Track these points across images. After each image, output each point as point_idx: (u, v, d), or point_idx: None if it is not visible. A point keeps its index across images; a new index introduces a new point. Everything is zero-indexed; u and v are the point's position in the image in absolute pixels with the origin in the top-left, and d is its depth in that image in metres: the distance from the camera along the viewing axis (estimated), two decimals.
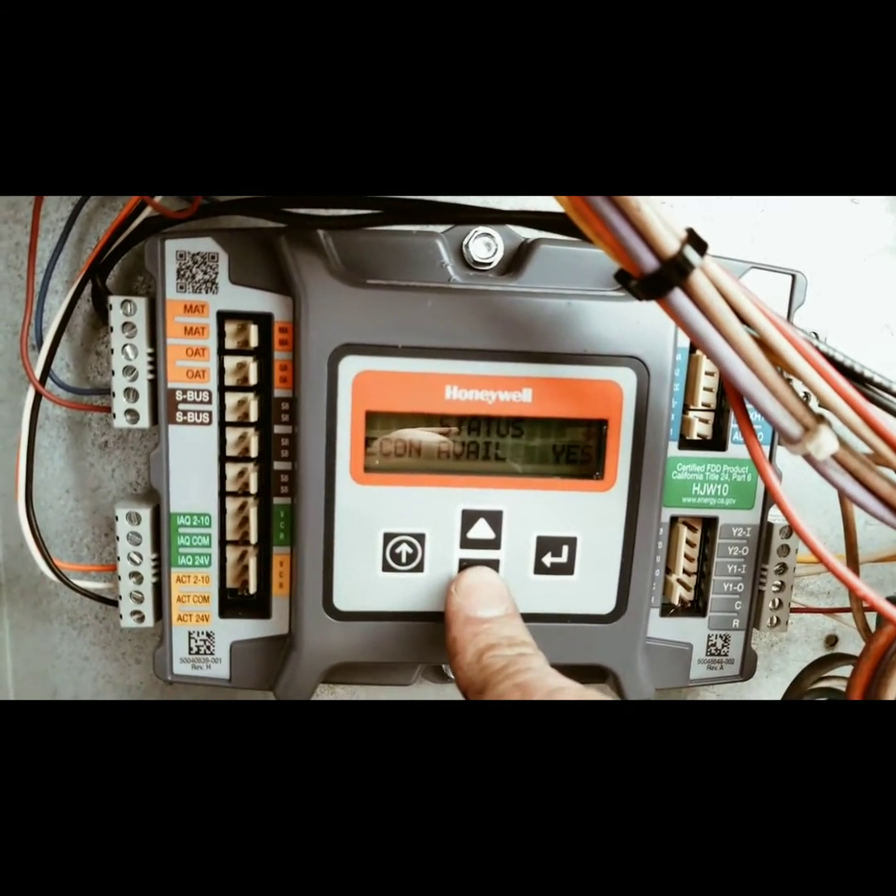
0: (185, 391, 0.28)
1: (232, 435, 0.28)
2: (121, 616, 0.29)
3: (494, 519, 0.28)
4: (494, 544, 0.28)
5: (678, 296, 0.20)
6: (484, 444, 0.28)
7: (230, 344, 0.28)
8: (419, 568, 0.28)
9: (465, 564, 0.29)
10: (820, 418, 0.22)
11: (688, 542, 0.31)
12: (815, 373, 0.21)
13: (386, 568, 0.28)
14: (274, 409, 0.28)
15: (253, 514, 0.29)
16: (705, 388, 0.29)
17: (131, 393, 0.27)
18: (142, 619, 0.29)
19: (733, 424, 0.29)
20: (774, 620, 0.31)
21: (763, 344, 0.21)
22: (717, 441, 0.30)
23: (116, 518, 0.28)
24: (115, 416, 0.27)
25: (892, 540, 0.34)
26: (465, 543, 0.28)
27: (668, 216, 0.19)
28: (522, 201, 0.31)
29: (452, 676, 0.26)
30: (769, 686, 0.38)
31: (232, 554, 0.29)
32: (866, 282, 0.34)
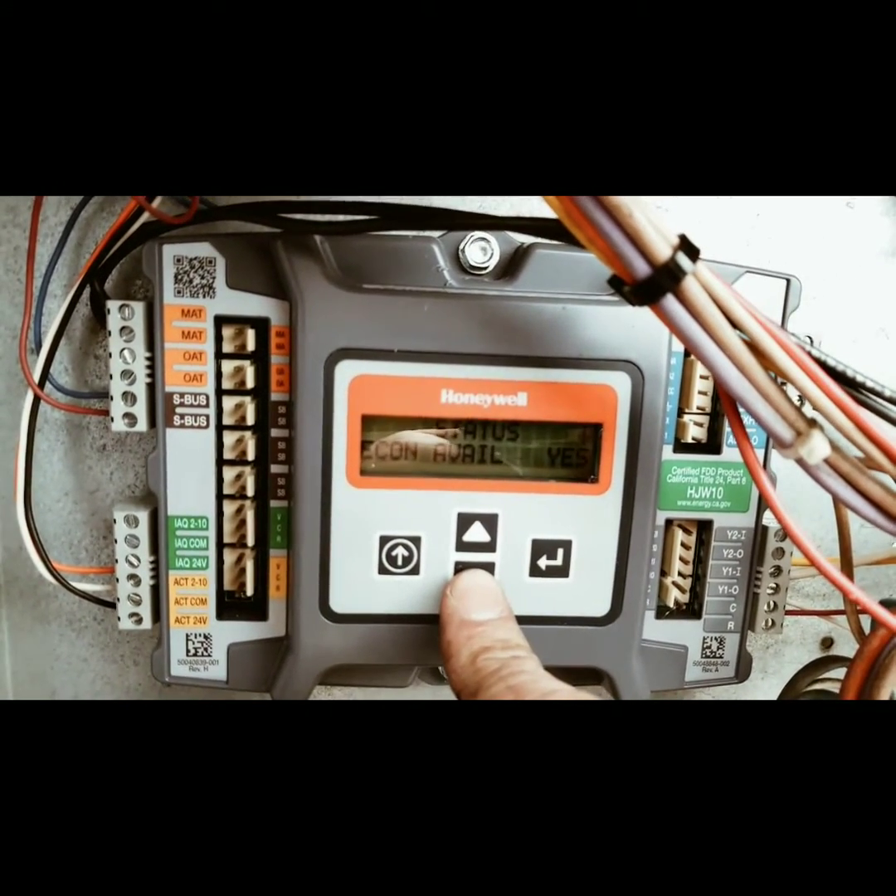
0: (182, 395, 0.28)
1: (229, 438, 0.28)
2: (119, 618, 0.30)
3: (490, 522, 0.28)
4: (490, 547, 0.29)
5: (671, 302, 0.20)
6: (479, 447, 0.28)
7: (227, 348, 0.28)
8: (415, 571, 0.29)
9: (460, 567, 0.29)
10: (812, 423, 0.22)
11: (683, 544, 0.31)
12: (806, 377, 0.21)
13: (382, 571, 0.28)
14: (271, 413, 0.28)
15: (250, 516, 0.29)
16: (700, 392, 0.29)
17: (129, 396, 0.28)
18: (140, 621, 0.30)
19: (728, 428, 0.30)
20: (769, 623, 0.31)
21: (755, 349, 0.21)
22: (711, 444, 0.30)
23: (114, 521, 0.29)
24: (113, 419, 0.28)
25: (887, 543, 0.34)
26: (461, 546, 0.28)
27: (660, 222, 0.20)
28: (518, 206, 0.31)
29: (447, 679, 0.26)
30: (764, 688, 0.38)
31: (229, 556, 0.29)
32: (861, 285, 0.34)
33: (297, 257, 0.26)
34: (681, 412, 0.29)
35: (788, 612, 0.32)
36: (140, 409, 0.28)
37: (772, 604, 0.31)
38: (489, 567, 0.29)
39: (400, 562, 0.28)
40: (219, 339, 0.28)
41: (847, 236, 0.33)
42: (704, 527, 0.31)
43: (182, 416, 0.28)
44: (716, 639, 0.32)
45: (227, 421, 0.28)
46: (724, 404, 0.24)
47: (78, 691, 0.36)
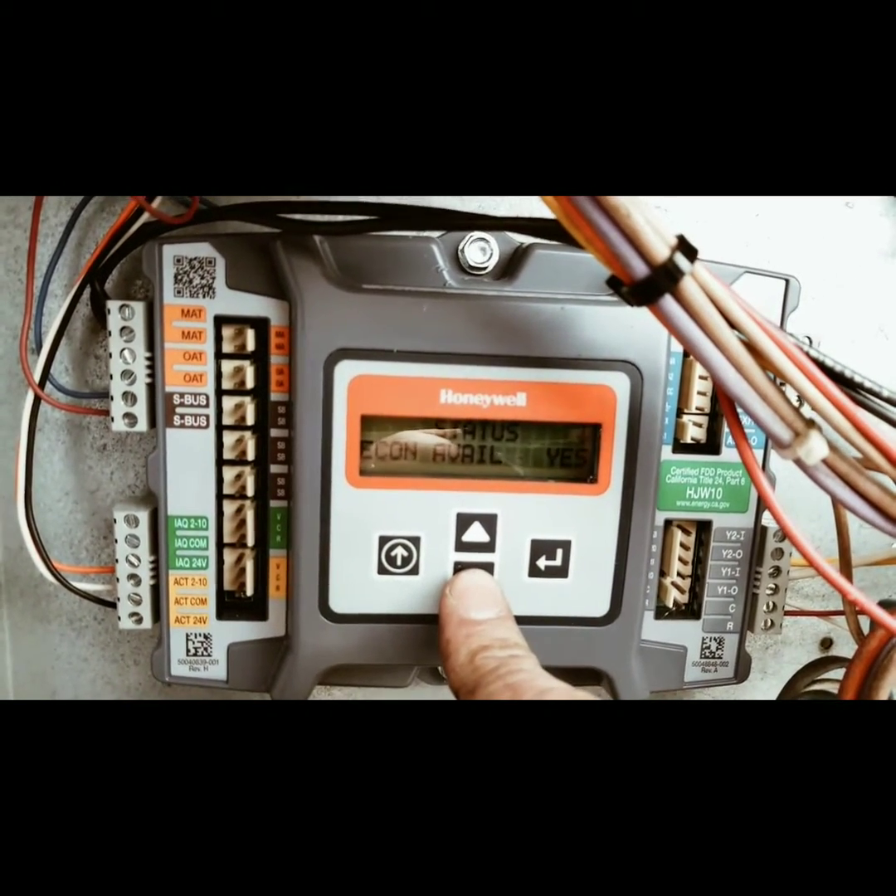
0: (182, 395, 0.28)
1: (229, 438, 0.28)
2: (119, 618, 0.30)
3: (489, 522, 0.28)
4: (489, 547, 0.29)
5: (669, 302, 0.20)
6: (479, 447, 0.28)
7: (227, 348, 0.28)
8: (414, 571, 0.29)
9: (459, 567, 0.29)
10: (810, 423, 0.22)
11: (682, 545, 0.31)
12: (804, 378, 0.21)
13: (381, 571, 0.29)
14: (270, 413, 0.28)
15: (250, 516, 0.29)
16: (699, 392, 0.29)
17: (129, 396, 0.28)
18: (140, 620, 0.30)
19: (727, 428, 0.30)
20: (768, 623, 0.31)
21: (753, 349, 0.21)
22: (710, 445, 0.30)
23: (115, 520, 0.29)
24: (113, 419, 0.28)
25: (886, 544, 0.34)
26: (460, 546, 0.29)
27: (658, 223, 0.20)
28: (517, 207, 0.31)
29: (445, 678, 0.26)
30: (763, 688, 0.38)
31: (229, 556, 0.29)
32: (860, 286, 0.34)
33: (297, 257, 0.26)
34: (680, 412, 0.30)
35: (787, 613, 0.32)
36: (140, 409, 0.28)
37: (771, 604, 0.31)
38: (488, 567, 0.29)
39: (399, 562, 0.29)
40: (218, 339, 0.28)
41: (846, 237, 0.33)
42: (703, 527, 0.31)
43: (182, 416, 0.28)
44: (715, 639, 0.32)
45: (226, 421, 0.28)
46: (722, 405, 0.24)
47: (78, 691, 0.36)
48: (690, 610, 0.32)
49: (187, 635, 0.30)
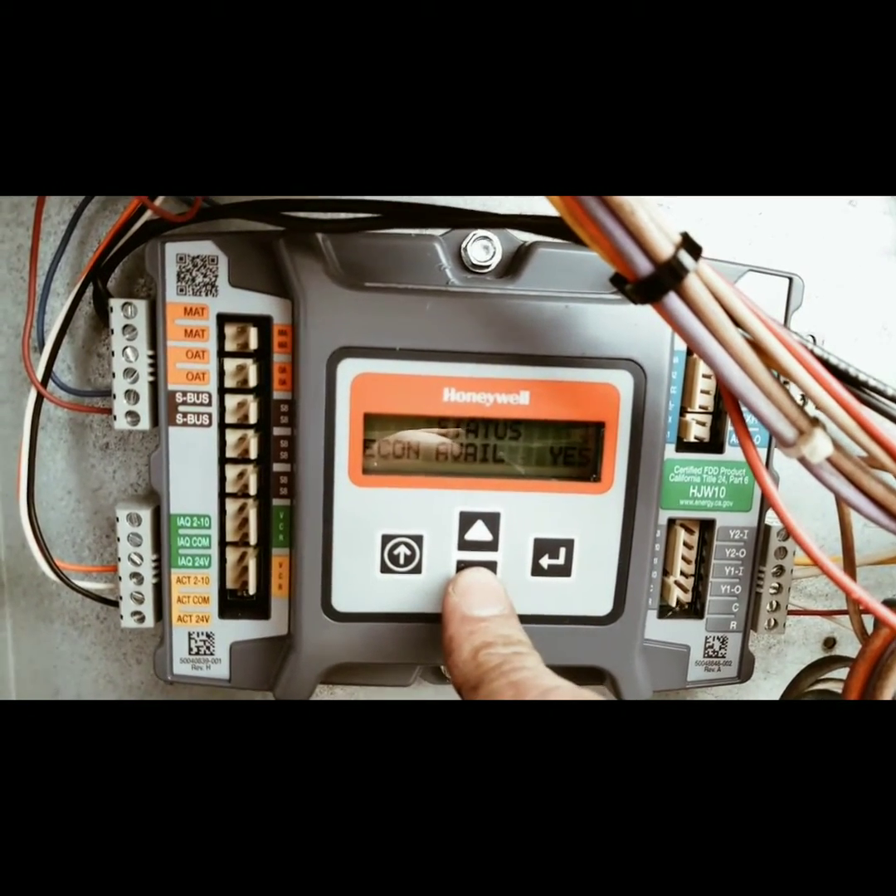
0: (185, 393, 0.28)
1: (232, 437, 0.28)
2: (121, 616, 0.30)
3: (492, 521, 0.28)
4: (492, 546, 0.29)
5: (673, 300, 0.20)
6: (482, 446, 0.28)
7: (230, 346, 0.28)
8: (417, 569, 0.29)
9: (462, 566, 0.29)
10: (815, 421, 0.22)
11: (685, 544, 0.31)
12: (809, 376, 0.21)
13: (384, 569, 0.28)
14: (273, 411, 0.28)
15: (252, 515, 0.29)
16: (702, 391, 0.29)
17: (132, 395, 0.28)
18: (142, 619, 0.30)
19: (730, 427, 0.29)
20: (772, 622, 0.31)
21: (758, 347, 0.21)
22: (714, 443, 0.30)
23: (117, 519, 0.29)
24: (115, 417, 0.28)
25: (890, 542, 0.34)
26: (463, 545, 0.28)
27: (662, 220, 0.20)
28: (520, 204, 0.31)
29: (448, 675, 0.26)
30: (767, 688, 0.38)
31: (232, 555, 0.29)
32: (864, 284, 0.34)
33: (300, 256, 0.26)
34: (683, 411, 0.29)
35: (791, 612, 0.32)
36: (143, 408, 0.28)
37: (774, 603, 0.31)
38: (491, 566, 0.29)
39: (402, 560, 0.28)
40: (221, 337, 0.28)
41: (849, 235, 0.33)
42: (707, 526, 0.31)
43: (185, 415, 0.28)
44: (718, 638, 0.32)
45: (229, 419, 0.28)
46: (726, 403, 0.24)
47: (80, 690, 0.36)
48: (694, 609, 0.32)
49: (190, 634, 0.30)
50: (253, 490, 0.29)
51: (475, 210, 0.27)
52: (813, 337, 0.29)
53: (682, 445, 0.30)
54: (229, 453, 0.28)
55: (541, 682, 0.22)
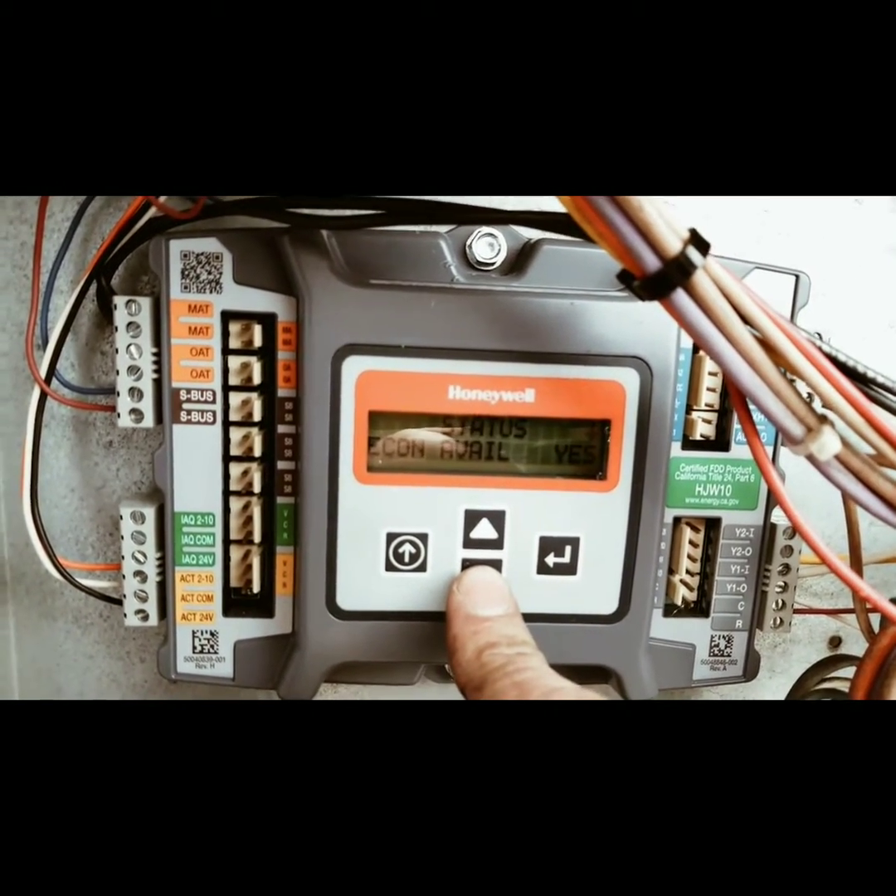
0: (189, 391, 0.28)
1: (236, 434, 0.28)
2: (125, 615, 0.29)
3: (497, 519, 0.28)
4: (497, 544, 0.28)
5: (680, 296, 0.20)
6: (487, 444, 0.28)
7: (234, 344, 0.28)
8: (422, 568, 0.28)
9: (467, 564, 0.29)
10: (823, 419, 0.22)
11: (691, 542, 0.31)
12: (817, 373, 0.21)
13: (389, 567, 0.28)
14: (277, 409, 0.28)
15: (256, 513, 0.29)
16: (708, 389, 0.29)
17: (136, 392, 0.28)
18: (146, 617, 0.30)
19: (736, 425, 0.29)
20: (778, 621, 0.31)
21: (766, 344, 0.21)
22: (720, 441, 0.30)
23: (121, 517, 0.29)
24: (119, 415, 0.28)
25: None
26: (468, 543, 0.28)
27: (670, 216, 0.19)
28: (525, 201, 0.31)
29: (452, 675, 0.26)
30: (772, 687, 0.38)
31: (235, 553, 0.29)
32: (870, 281, 0.33)
33: (305, 253, 0.26)
34: (689, 409, 0.29)
35: (797, 611, 0.32)
36: (146, 405, 0.28)
37: (780, 602, 0.31)
38: (496, 564, 0.29)
39: (407, 559, 0.28)
40: (225, 334, 0.28)
41: (856, 232, 0.33)
42: (713, 524, 0.31)
43: (189, 412, 0.28)
44: (724, 637, 0.31)
45: (233, 417, 0.28)
46: (733, 400, 0.24)
47: (84, 688, 0.36)
48: (699, 608, 0.31)
49: (193, 632, 0.30)
50: (257, 488, 0.28)
51: (480, 206, 0.27)
52: (819, 334, 0.29)
53: (688, 443, 0.30)
54: (233, 451, 0.28)
55: (544, 683, 0.22)
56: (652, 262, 0.20)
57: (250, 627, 0.30)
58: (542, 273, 0.28)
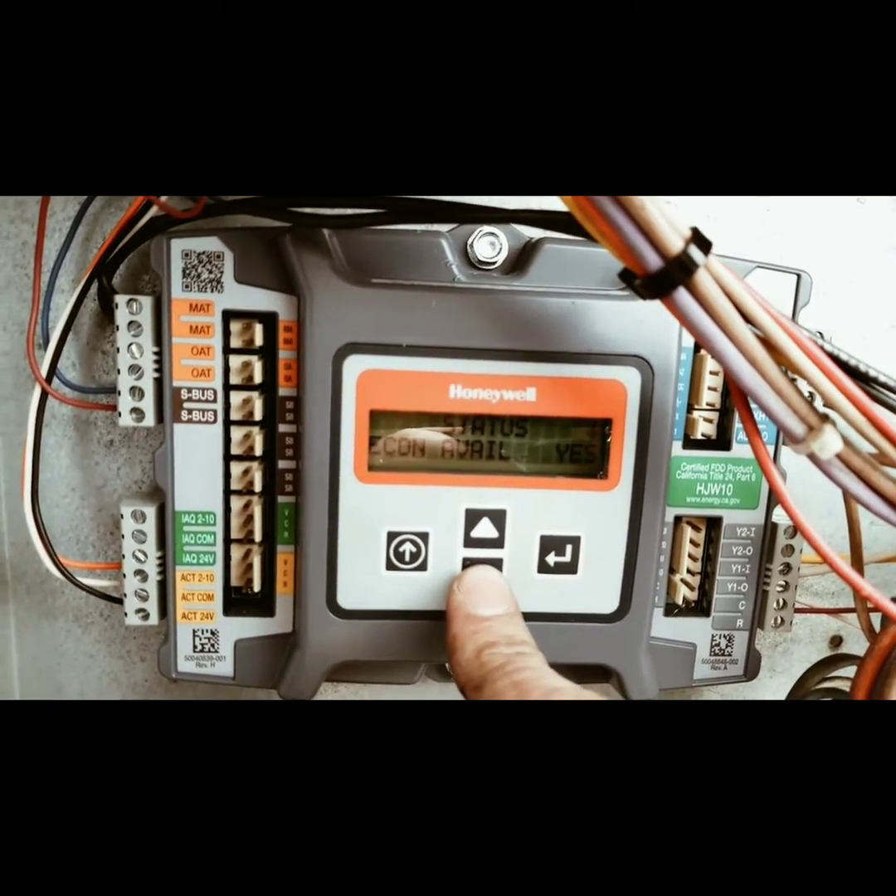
0: (190, 390, 0.28)
1: (237, 433, 0.28)
2: (126, 614, 0.29)
3: (498, 518, 0.28)
4: (498, 543, 0.28)
5: (682, 295, 0.20)
6: (488, 443, 0.28)
7: (235, 343, 0.28)
8: (423, 567, 0.28)
9: (468, 563, 0.29)
10: (824, 418, 0.22)
11: (692, 541, 0.31)
12: (819, 372, 0.21)
13: (390, 566, 0.28)
14: (278, 408, 0.28)
15: (257, 512, 0.29)
16: (710, 388, 0.29)
17: (137, 391, 0.27)
18: (146, 616, 0.30)
19: (738, 424, 0.29)
20: (779, 621, 0.31)
21: (767, 343, 0.21)
22: (721, 441, 0.30)
23: (121, 516, 0.29)
24: (120, 414, 0.28)
25: None
26: (469, 542, 0.28)
27: (672, 215, 0.19)
28: (527, 200, 0.31)
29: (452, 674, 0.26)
30: (773, 686, 0.38)
31: (236, 552, 0.29)
32: (872, 281, 0.33)
33: (306, 252, 0.26)
34: (690, 408, 0.29)
35: (798, 610, 0.32)
36: (147, 404, 0.28)
37: (781, 601, 0.31)
38: (497, 563, 0.29)
39: (407, 558, 0.28)
40: (227, 333, 0.28)
41: (858, 232, 0.33)
42: (714, 523, 0.31)
43: (189, 412, 0.28)
44: (725, 636, 0.31)
45: (234, 416, 0.28)
46: (734, 399, 0.24)
47: (84, 687, 0.36)
48: (700, 607, 0.31)
49: (194, 631, 0.30)
50: (258, 487, 0.28)
51: (482, 205, 0.27)
52: (821, 333, 0.29)
53: (689, 442, 0.30)
54: (234, 450, 0.28)
55: (544, 683, 0.22)
56: (654, 261, 0.20)
57: (251, 626, 0.30)
58: (544, 272, 0.28)
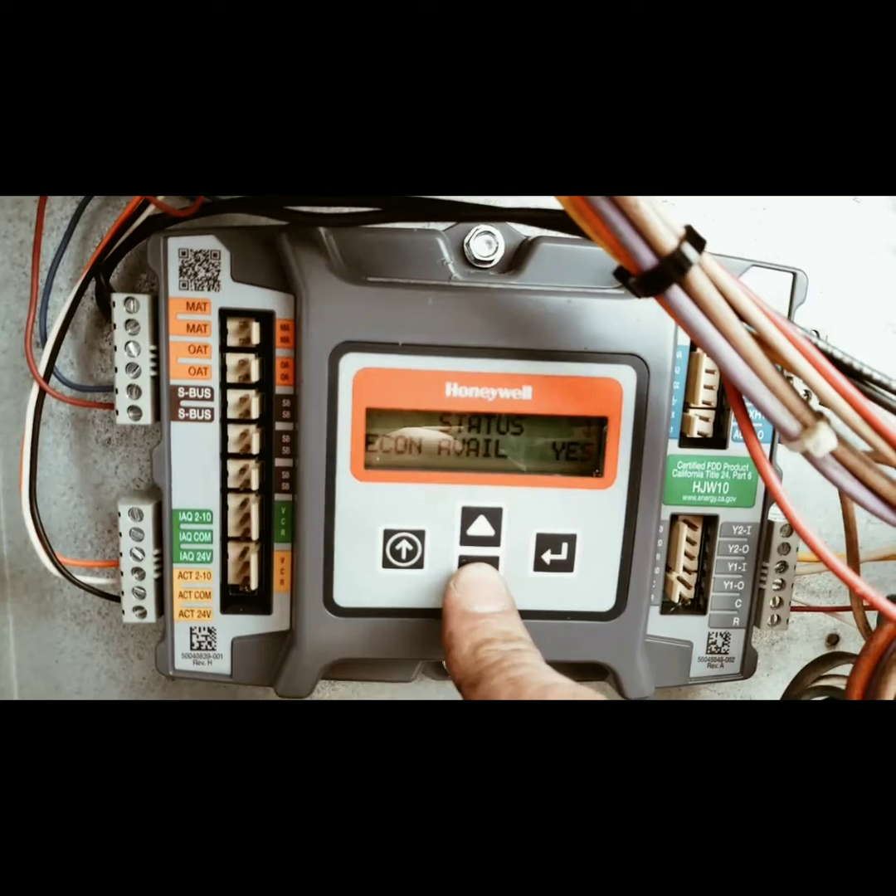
0: (187, 388, 0.28)
1: (234, 432, 0.28)
2: (123, 612, 0.30)
3: (494, 516, 0.28)
4: (494, 541, 0.28)
5: (676, 293, 0.20)
6: (484, 441, 0.28)
7: (232, 341, 0.28)
8: (419, 564, 0.29)
9: (464, 561, 0.29)
10: (819, 416, 0.22)
11: (688, 539, 0.31)
12: (813, 370, 0.21)
13: (386, 564, 0.28)
14: (275, 406, 0.28)
15: (254, 510, 0.29)
16: (706, 386, 0.29)
17: (134, 390, 0.28)
18: (144, 614, 0.30)
19: (734, 422, 0.29)
20: (775, 619, 0.31)
21: (762, 341, 0.21)
22: (717, 439, 0.30)
23: (119, 514, 0.29)
24: (118, 412, 0.28)
25: (893, 538, 0.34)
26: (465, 540, 0.28)
27: (666, 213, 0.19)
28: (523, 199, 0.31)
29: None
30: (769, 685, 0.38)
31: (233, 550, 0.29)
32: (868, 280, 0.34)
33: (302, 250, 0.26)
34: (686, 406, 0.29)
35: (794, 609, 0.32)
36: (145, 403, 0.28)
37: (777, 600, 0.31)
38: (493, 561, 0.29)
39: (404, 556, 0.28)
40: (224, 332, 0.28)
41: (854, 231, 0.33)
42: (710, 522, 0.31)
43: (187, 410, 0.28)
44: (721, 635, 0.31)
45: (231, 414, 0.28)
46: (729, 397, 0.24)
47: (82, 685, 0.36)
48: (696, 605, 0.32)
49: (191, 629, 0.30)
50: (255, 485, 0.29)
51: (478, 204, 0.27)
52: (816, 332, 0.29)
53: (685, 441, 0.30)
54: (231, 448, 0.28)
55: (539, 679, 0.22)
56: (648, 259, 0.20)
57: (248, 624, 0.30)
58: (540, 271, 0.28)
